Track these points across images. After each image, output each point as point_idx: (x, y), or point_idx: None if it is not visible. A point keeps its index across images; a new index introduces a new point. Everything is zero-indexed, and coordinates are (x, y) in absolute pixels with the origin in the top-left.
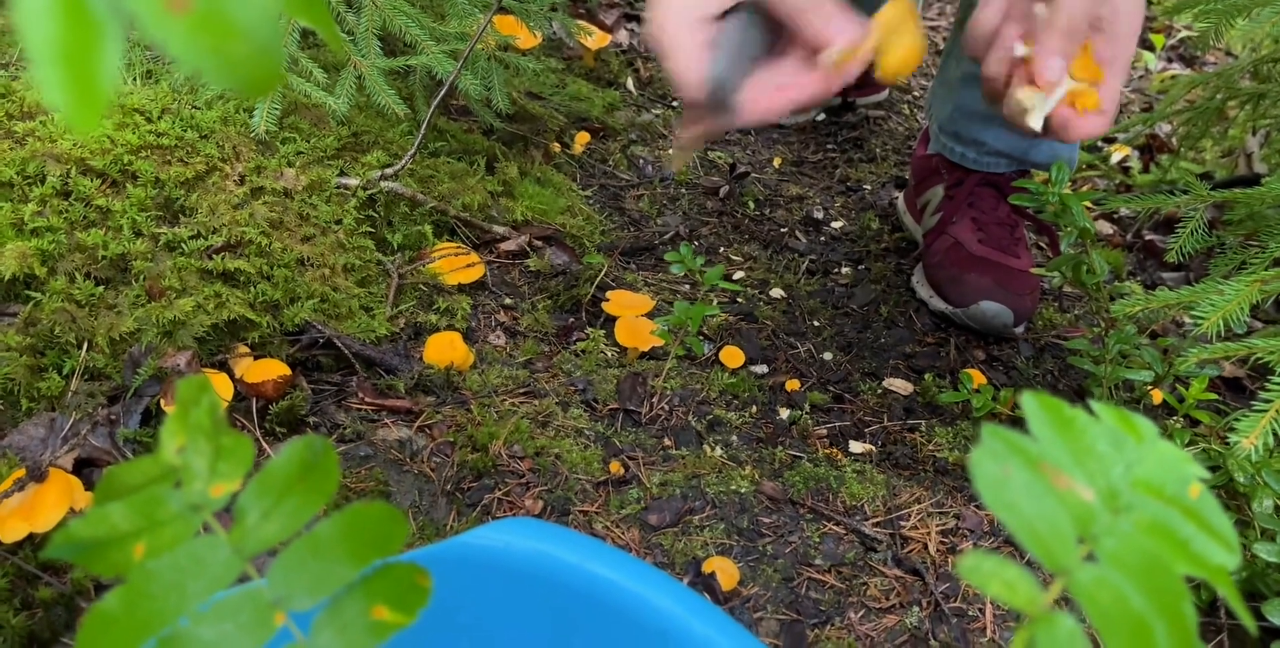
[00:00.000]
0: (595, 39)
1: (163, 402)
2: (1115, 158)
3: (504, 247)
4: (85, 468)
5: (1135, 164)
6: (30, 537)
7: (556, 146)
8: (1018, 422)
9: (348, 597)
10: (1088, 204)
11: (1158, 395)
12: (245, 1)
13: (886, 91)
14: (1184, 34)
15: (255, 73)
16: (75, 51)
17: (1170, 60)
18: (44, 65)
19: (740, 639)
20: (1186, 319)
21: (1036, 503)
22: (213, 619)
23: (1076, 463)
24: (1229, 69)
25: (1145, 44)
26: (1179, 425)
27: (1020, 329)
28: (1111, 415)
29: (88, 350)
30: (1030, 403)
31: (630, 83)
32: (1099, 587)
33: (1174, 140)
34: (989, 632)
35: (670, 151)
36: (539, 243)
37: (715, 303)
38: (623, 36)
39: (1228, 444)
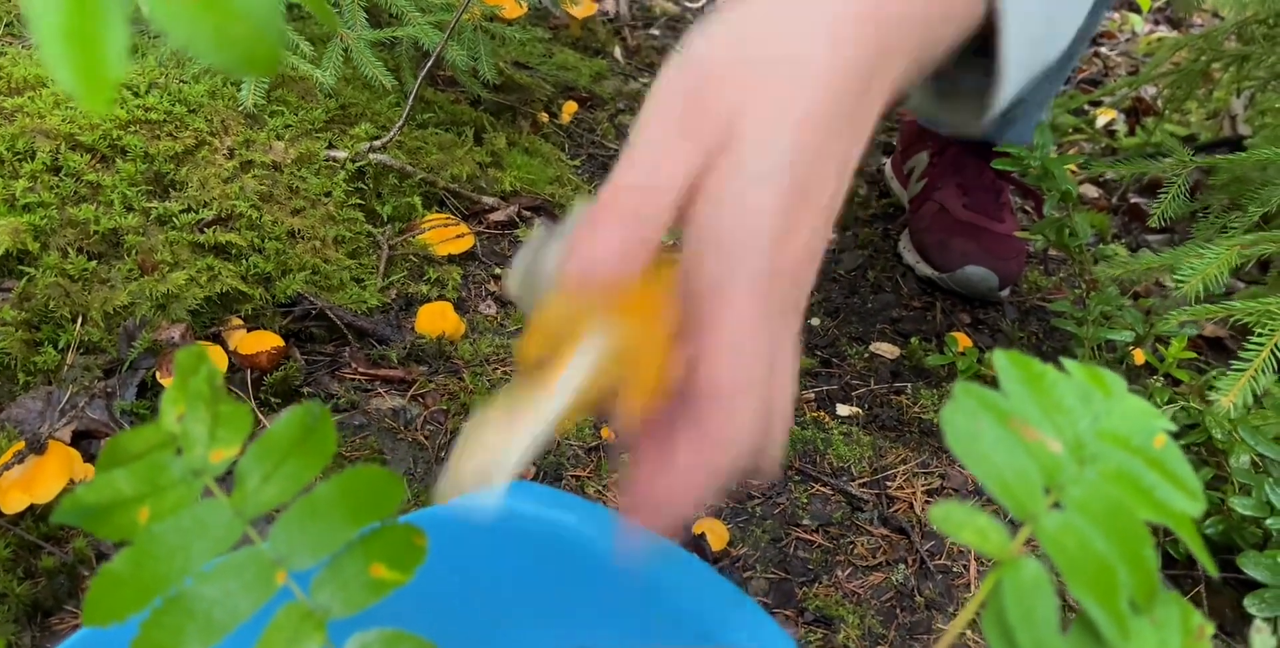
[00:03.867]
0: (581, 8)
1: (158, 374)
2: (1101, 121)
3: (493, 217)
4: (84, 440)
5: (1121, 127)
6: (31, 508)
7: (544, 116)
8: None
9: (347, 556)
10: (1072, 168)
11: (1140, 356)
12: None
13: None
14: None
15: (255, 52)
16: (83, 33)
17: (1157, 22)
18: (53, 47)
19: (727, 595)
20: (1168, 282)
21: (1006, 455)
22: (216, 579)
23: (1045, 417)
24: (1214, 31)
25: (1132, 6)
26: (1159, 384)
27: (1005, 293)
28: (1081, 372)
29: (82, 324)
30: (1001, 360)
31: (617, 51)
32: (1064, 532)
33: (1159, 103)
34: (972, 588)
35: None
36: (528, 213)
37: None
38: (609, 5)
39: (1208, 402)
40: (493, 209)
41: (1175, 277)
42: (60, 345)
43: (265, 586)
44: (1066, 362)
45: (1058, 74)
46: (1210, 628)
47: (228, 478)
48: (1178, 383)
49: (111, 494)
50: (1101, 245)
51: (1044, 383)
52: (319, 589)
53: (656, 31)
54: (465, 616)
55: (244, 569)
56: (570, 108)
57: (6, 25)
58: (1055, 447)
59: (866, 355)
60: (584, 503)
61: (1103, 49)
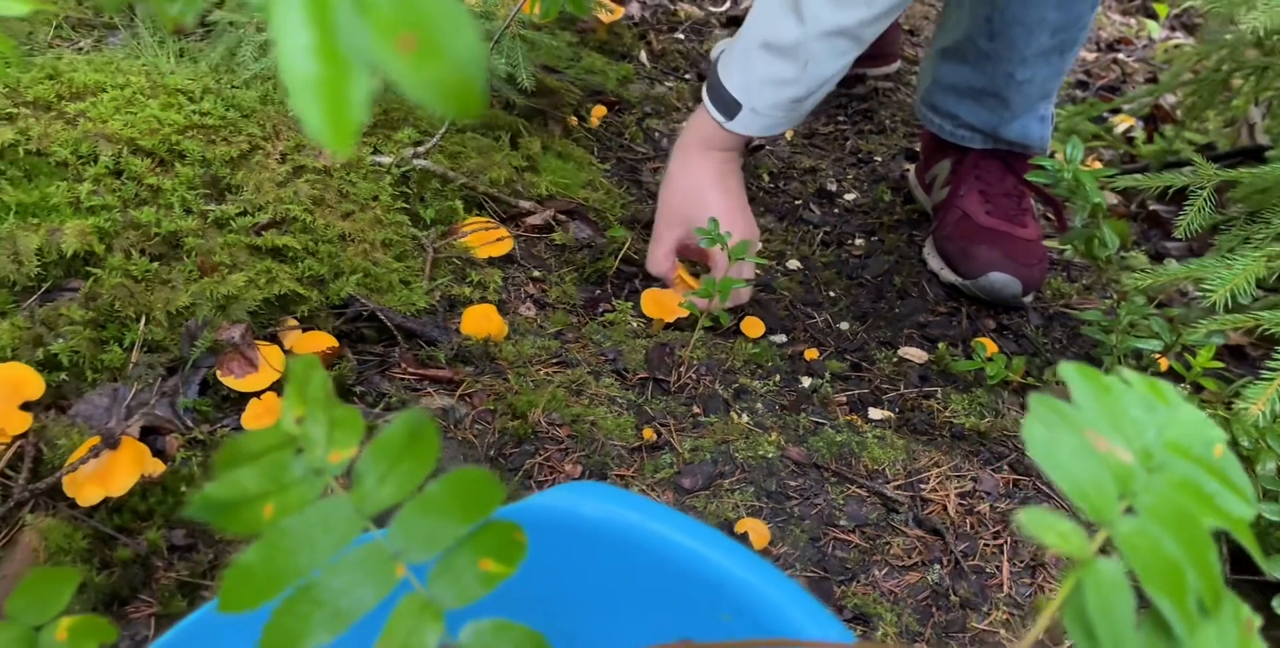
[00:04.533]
0: (609, 13)
1: (218, 372)
2: (1120, 128)
3: (530, 221)
4: (149, 435)
5: (1139, 134)
6: (105, 500)
7: (574, 120)
8: (1028, 389)
9: (458, 551)
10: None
11: (1164, 363)
12: (454, 42)
13: (897, 63)
14: (1188, 3)
15: (463, 97)
16: (330, 86)
17: (1173, 28)
18: (304, 97)
19: (785, 587)
20: (1192, 289)
21: (1082, 464)
22: (342, 571)
23: (1114, 428)
24: (1235, 40)
25: (1149, 13)
26: (1185, 392)
27: (1029, 298)
28: (1141, 383)
29: (146, 324)
30: (1071, 373)
31: (643, 55)
32: (1138, 536)
33: (1178, 111)
34: (1005, 588)
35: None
36: (563, 217)
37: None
38: (634, 9)
39: (1230, 409)
40: (529, 213)
41: (1203, 287)
42: (125, 344)
43: (387, 578)
44: (1126, 373)
45: (1056, 67)
46: (1258, 621)
47: (343, 478)
48: (1200, 389)
49: (238, 491)
50: (1122, 253)
51: (1111, 395)
52: (434, 582)
53: (680, 35)
54: (537, 612)
55: (367, 562)
56: (599, 111)
57: (56, 27)
58: (1125, 456)
59: (895, 360)
60: (648, 502)
61: (1120, 55)
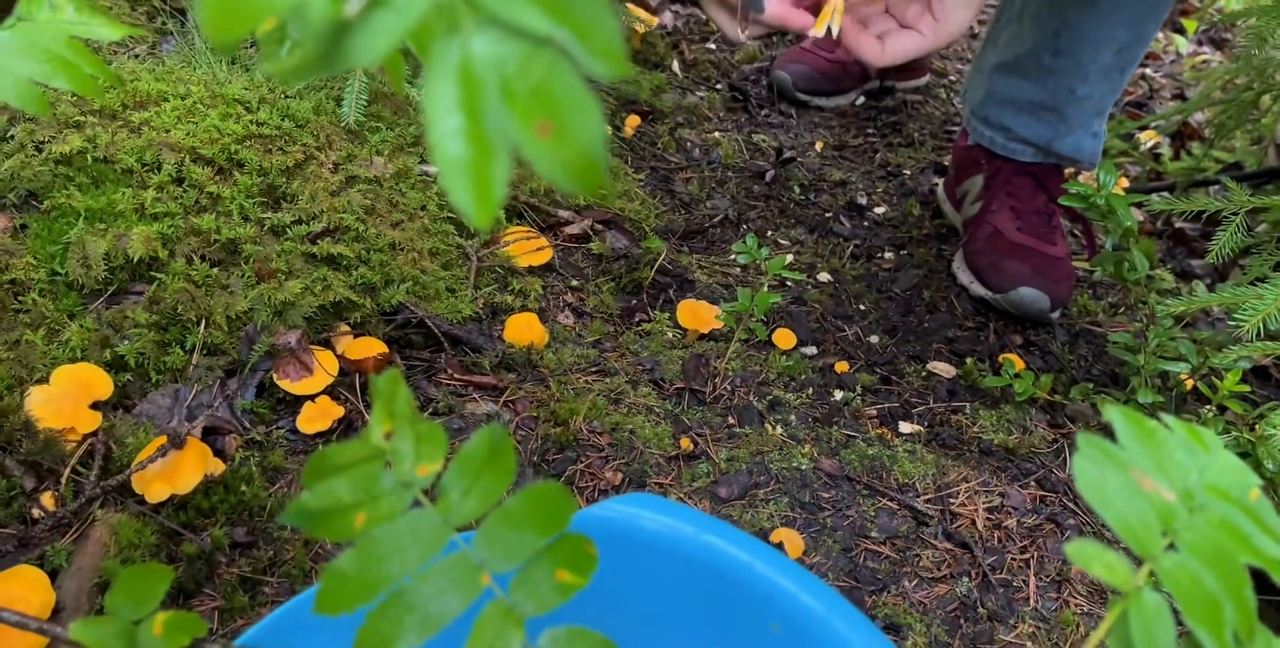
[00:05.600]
0: (642, 23)
1: (275, 376)
2: (1147, 145)
3: (568, 230)
4: (209, 436)
5: (1166, 151)
6: (171, 498)
7: (608, 130)
8: (1055, 406)
9: (536, 562)
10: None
11: (1189, 383)
12: (583, 128)
13: (926, 76)
14: (1218, 16)
15: (588, 176)
16: (477, 166)
17: (1200, 43)
18: (452, 176)
19: (831, 600)
20: (1217, 310)
21: (1129, 502)
22: (431, 579)
23: (1158, 469)
24: (1263, 61)
25: (1177, 28)
26: (1211, 414)
27: (1056, 315)
28: (1181, 428)
29: (206, 328)
30: (1116, 417)
31: (675, 65)
32: (1180, 571)
33: (1206, 129)
34: (1032, 601)
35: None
36: (599, 227)
37: (766, 287)
38: (667, 18)
39: (1255, 431)
40: (568, 222)
41: (1237, 316)
42: (187, 346)
43: (473, 586)
44: (1168, 418)
45: (1114, 84)
46: None
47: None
48: (1223, 410)
49: (332, 501)
50: (1149, 273)
51: (1155, 438)
52: (515, 590)
53: (712, 45)
54: (600, 621)
55: (454, 571)
56: (633, 121)
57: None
58: (1169, 496)
59: (924, 374)
60: (701, 514)
61: (1148, 71)
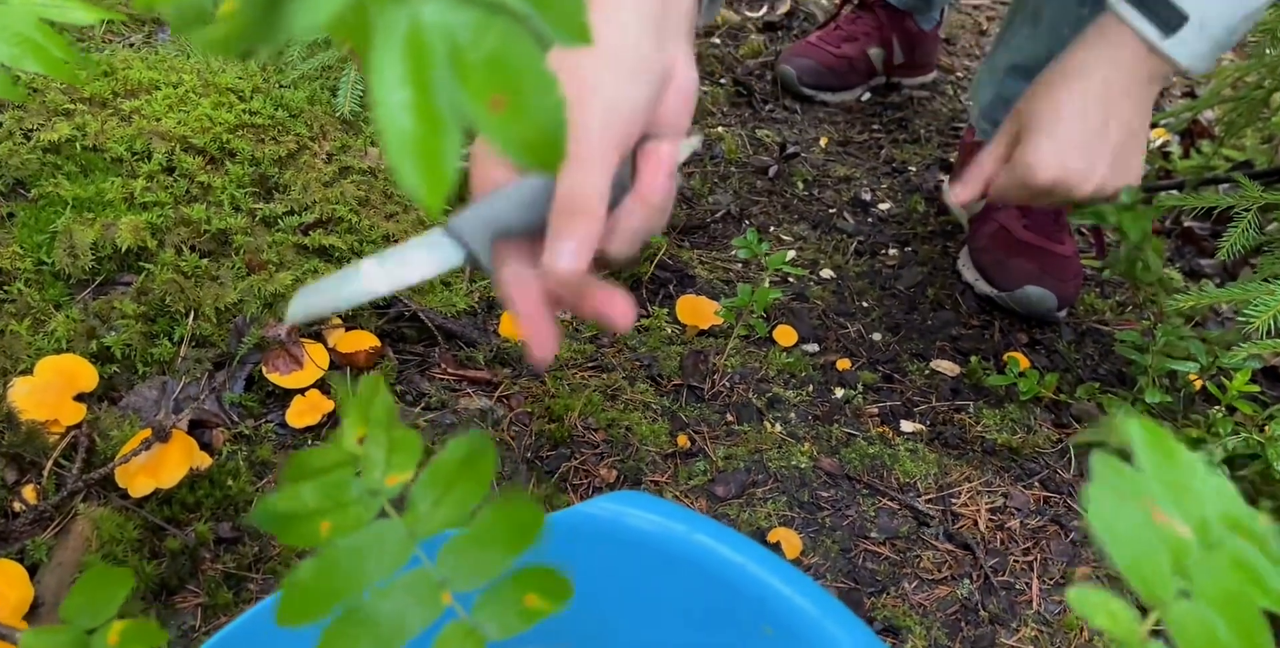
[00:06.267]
0: None
1: (264, 369)
2: (1156, 143)
3: None
4: (195, 429)
5: (1175, 149)
6: (155, 492)
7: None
8: (1060, 406)
9: (505, 584)
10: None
11: (1198, 383)
12: (540, 103)
13: (933, 73)
14: None
15: (546, 153)
16: (425, 142)
17: None
18: (399, 154)
19: (825, 603)
20: (1226, 308)
21: (1141, 541)
22: (391, 595)
23: (1175, 499)
24: (1275, 59)
25: None
26: (1220, 414)
27: (1062, 314)
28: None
29: (195, 319)
30: (1138, 433)
31: None
32: (1190, 620)
33: (1216, 127)
34: (1034, 605)
35: None
36: None
37: (768, 283)
38: None
39: (1264, 432)
40: None
41: (1246, 312)
42: (175, 338)
43: (433, 605)
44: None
45: None
46: None
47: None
48: (1232, 410)
49: (299, 505)
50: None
51: (1177, 459)
52: (479, 611)
53: (716, 40)
54: (582, 622)
55: (415, 588)
56: None
57: (108, 22)
58: (1183, 530)
59: (927, 372)
60: (692, 513)
61: None
